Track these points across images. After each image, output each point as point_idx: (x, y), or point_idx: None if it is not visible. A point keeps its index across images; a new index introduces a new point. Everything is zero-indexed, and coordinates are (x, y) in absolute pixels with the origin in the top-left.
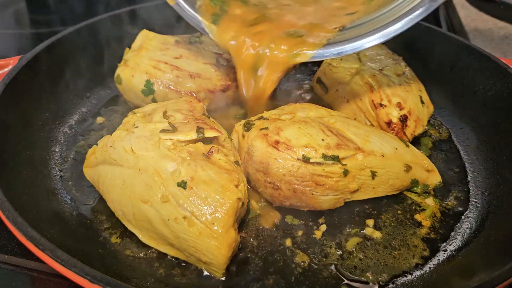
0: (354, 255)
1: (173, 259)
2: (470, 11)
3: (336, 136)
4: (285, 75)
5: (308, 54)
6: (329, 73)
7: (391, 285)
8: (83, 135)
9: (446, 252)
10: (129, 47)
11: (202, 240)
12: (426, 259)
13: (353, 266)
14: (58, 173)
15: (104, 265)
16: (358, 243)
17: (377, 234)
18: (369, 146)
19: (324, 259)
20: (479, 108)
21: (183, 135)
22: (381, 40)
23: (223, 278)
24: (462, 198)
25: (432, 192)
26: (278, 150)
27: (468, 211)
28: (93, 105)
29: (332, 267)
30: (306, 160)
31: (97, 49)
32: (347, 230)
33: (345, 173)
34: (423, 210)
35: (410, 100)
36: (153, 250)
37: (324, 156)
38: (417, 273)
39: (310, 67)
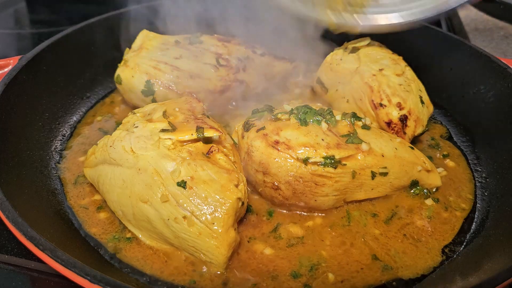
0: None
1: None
2: (470, 11)
3: (336, 136)
4: None
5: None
6: (329, 73)
7: (390, 285)
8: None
9: (446, 253)
10: (129, 47)
11: (202, 240)
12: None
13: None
14: (58, 173)
15: (104, 265)
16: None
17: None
18: (369, 146)
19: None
20: (479, 108)
21: (183, 135)
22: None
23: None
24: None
25: (432, 193)
26: (278, 150)
27: (468, 211)
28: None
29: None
30: (306, 160)
31: (97, 49)
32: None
33: (345, 173)
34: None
35: (410, 100)
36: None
37: (324, 156)
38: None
39: (310, 67)
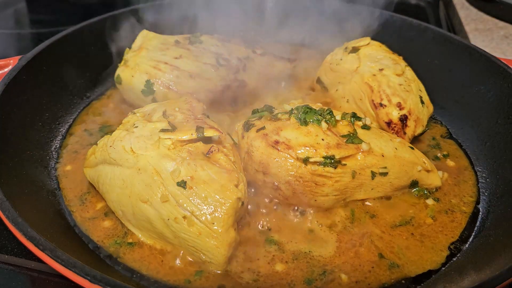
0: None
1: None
2: (470, 11)
3: (336, 136)
4: None
5: None
6: (329, 73)
7: (400, 284)
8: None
9: (451, 249)
10: (129, 47)
11: (202, 240)
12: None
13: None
14: (58, 173)
15: (104, 265)
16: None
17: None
18: (369, 146)
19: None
20: (479, 108)
21: (183, 135)
22: None
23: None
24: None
25: (432, 192)
26: (278, 150)
27: (468, 210)
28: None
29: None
30: (306, 159)
31: (97, 49)
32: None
33: (345, 173)
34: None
35: (410, 100)
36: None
37: (324, 156)
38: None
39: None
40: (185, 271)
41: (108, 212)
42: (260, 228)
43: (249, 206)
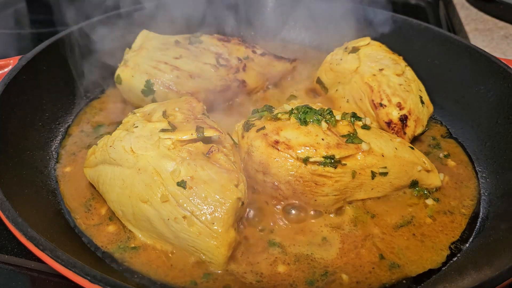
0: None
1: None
2: (470, 11)
3: (336, 136)
4: None
5: None
6: (329, 73)
7: (401, 284)
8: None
9: (451, 248)
10: (129, 47)
11: (202, 240)
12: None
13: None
14: (58, 173)
15: (104, 265)
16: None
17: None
18: (369, 146)
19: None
20: (479, 108)
21: (183, 135)
22: None
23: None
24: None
25: (432, 192)
26: (278, 150)
27: (468, 211)
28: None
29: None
30: (306, 159)
31: (97, 49)
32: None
33: (345, 173)
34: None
35: (410, 100)
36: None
37: (324, 156)
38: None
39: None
40: (194, 272)
41: (113, 216)
42: (261, 229)
43: (249, 207)
